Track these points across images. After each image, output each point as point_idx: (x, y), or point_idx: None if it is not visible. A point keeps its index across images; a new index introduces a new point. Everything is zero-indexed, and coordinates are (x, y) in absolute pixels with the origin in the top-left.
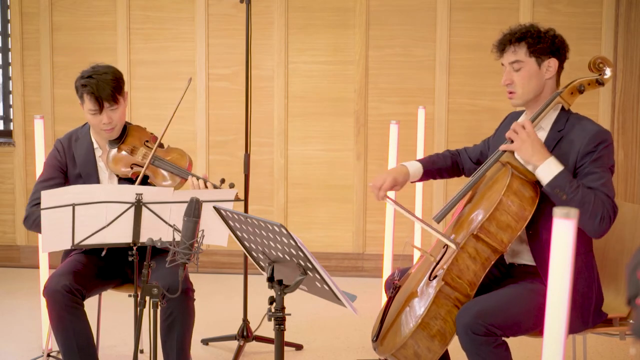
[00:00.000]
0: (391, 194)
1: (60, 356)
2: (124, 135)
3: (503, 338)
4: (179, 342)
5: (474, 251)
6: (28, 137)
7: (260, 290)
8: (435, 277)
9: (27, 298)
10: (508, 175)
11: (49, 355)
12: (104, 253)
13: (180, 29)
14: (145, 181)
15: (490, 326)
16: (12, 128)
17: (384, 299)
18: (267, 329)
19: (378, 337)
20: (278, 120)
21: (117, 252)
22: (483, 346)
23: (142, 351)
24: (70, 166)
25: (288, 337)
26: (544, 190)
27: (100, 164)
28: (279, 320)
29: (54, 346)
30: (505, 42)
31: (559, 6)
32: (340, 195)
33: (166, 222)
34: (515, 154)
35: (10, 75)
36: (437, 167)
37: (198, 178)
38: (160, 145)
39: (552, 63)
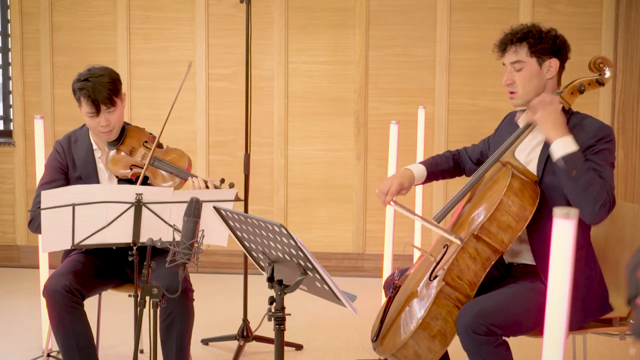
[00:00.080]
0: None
1: (60, 356)
2: (122, 137)
3: (504, 338)
4: (178, 342)
5: (474, 251)
6: (28, 137)
7: (260, 290)
8: (436, 277)
9: (27, 298)
10: (508, 175)
11: (49, 355)
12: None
13: (180, 29)
14: (145, 182)
15: (491, 326)
16: (12, 128)
17: (384, 299)
18: (267, 329)
19: (378, 337)
20: (278, 120)
21: (117, 252)
22: (484, 346)
23: (142, 351)
24: (71, 168)
25: (288, 337)
26: (555, 163)
27: (100, 165)
28: (279, 320)
29: (54, 346)
30: (507, 42)
31: (559, 6)
32: (340, 195)
33: (166, 222)
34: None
35: (10, 75)
36: (440, 169)
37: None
38: (159, 146)
39: (554, 63)
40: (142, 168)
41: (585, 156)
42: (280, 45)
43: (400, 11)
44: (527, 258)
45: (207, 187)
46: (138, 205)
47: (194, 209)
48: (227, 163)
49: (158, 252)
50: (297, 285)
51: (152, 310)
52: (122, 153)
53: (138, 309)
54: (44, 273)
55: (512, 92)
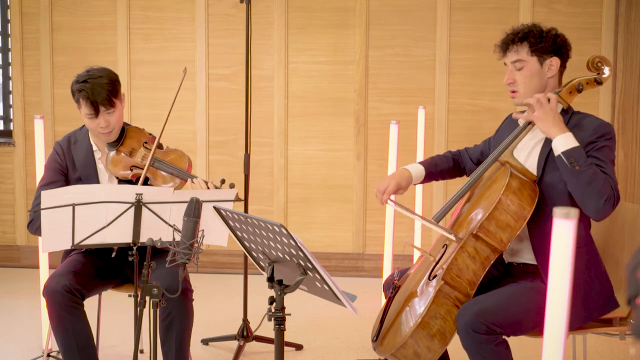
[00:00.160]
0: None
1: (60, 356)
2: (122, 137)
3: (503, 337)
4: (178, 342)
5: (473, 250)
6: (28, 137)
7: (260, 290)
8: (435, 276)
9: (27, 298)
10: (507, 174)
11: (49, 355)
12: (114, 254)
13: (180, 29)
14: (145, 183)
15: (491, 324)
16: (12, 128)
17: (384, 299)
18: (267, 329)
19: (378, 337)
20: (278, 120)
21: (117, 252)
22: (484, 345)
23: (142, 351)
24: (71, 169)
25: (288, 337)
26: (557, 159)
27: (100, 166)
28: (279, 320)
29: (54, 346)
30: (508, 42)
31: (559, 6)
32: (340, 195)
33: (166, 222)
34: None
35: (10, 75)
36: (439, 169)
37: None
38: (159, 146)
39: (554, 62)
40: (142, 169)
41: (587, 153)
42: (280, 45)
43: (400, 11)
44: (527, 257)
45: (207, 187)
46: (138, 205)
47: (194, 209)
48: (227, 163)
49: (158, 252)
50: (297, 285)
51: (152, 310)
52: (122, 154)
53: (138, 309)
54: (44, 273)
55: (513, 91)
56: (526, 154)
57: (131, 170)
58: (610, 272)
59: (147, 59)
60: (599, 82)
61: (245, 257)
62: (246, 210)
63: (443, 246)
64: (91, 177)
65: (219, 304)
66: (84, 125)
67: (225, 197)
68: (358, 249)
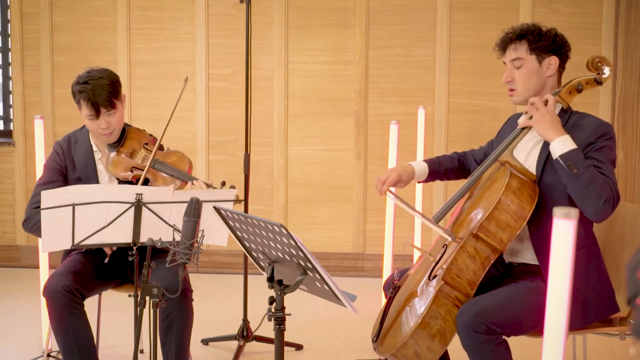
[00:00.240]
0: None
1: (60, 356)
2: (123, 138)
3: (503, 337)
4: (178, 342)
5: (473, 250)
6: (28, 137)
7: (260, 290)
8: (435, 276)
9: (27, 298)
10: (507, 174)
11: (49, 355)
12: (107, 260)
13: (180, 29)
14: (145, 184)
15: (491, 324)
16: (12, 128)
17: (384, 299)
18: (267, 329)
19: (378, 337)
20: (278, 120)
21: (117, 252)
22: (484, 345)
23: (142, 351)
24: (70, 169)
25: (288, 337)
26: (555, 162)
27: (100, 167)
28: (279, 320)
29: (54, 346)
30: (507, 40)
31: (559, 6)
32: (340, 195)
33: (166, 222)
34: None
35: (10, 75)
36: (443, 169)
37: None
38: (160, 148)
39: (553, 61)
40: (143, 170)
41: (586, 154)
42: (280, 45)
43: (400, 11)
44: (527, 257)
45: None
46: (138, 205)
47: (194, 209)
48: (227, 163)
49: (158, 252)
50: (297, 285)
51: (152, 310)
52: (123, 155)
53: (138, 309)
54: (44, 273)
55: (511, 90)
56: (526, 154)
57: (131, 171)
58: (611, 272)
59: (147, 59)
60: (598, 82)
61: (245, 257)
62: (246, 210)
63: (443, 246)
64: (91, 177)
65: (219, 304)
66: (84, 126)
67: (225, 197)
68: (358, 249)
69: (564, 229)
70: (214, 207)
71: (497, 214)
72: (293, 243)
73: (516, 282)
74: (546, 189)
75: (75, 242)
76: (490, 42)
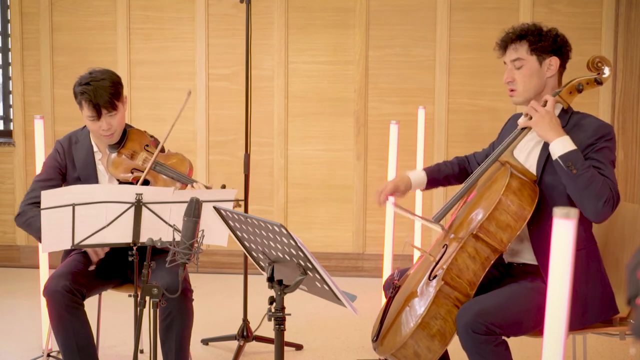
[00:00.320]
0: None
1: (60, 356)
2: (124, 139)
3: (503, 337)
4: (178, 342)
5: (473, 251)
6: (28, 137)
7: (260, 290)
8: (435, 276)
9: (27, 298)
10: (507, 174)
11: (49, 355)
12: (92, 267)
13: (180, 29)
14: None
15: (490, 325)
16: (12, 128)
17: (384, 299)
18: (267, 329)
19: (378, 337)
20: (278, 120)
21: (117, 252)
22: (483, 345)
23: (142, 351)
24: (70, 169)
25: (288, 337)
26: (555, 163)
27: (100, 168)
28: (279, 320)
29: (54, 346)
30: (508, 40)
31: (559, 6)
32: (340, 195)
33: (166, 222)
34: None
35: (10, 75)
36: (443, 175)
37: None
38: (161, 150)
39: (554, 61)
40: (143, 172)
41: (586, 154)
42: (280, 45)
43: (400, 11)
44: (527, 257)
45: None
46: (138, 205)
47: (194, 209)
48: (227, 163)
49: (158, 252)
50: (297, 285)
51: (152, 310)
52: (123, 156)
53: (138, 309)
54: (44, 273)
55: (512, 90)
56: (526, 154)
57: (132, 172)
58: (610, 272)
59: (147, 59)
60: (599, 82)
61: (245, 257)
62: (246, 210)
63: (443, 246)
64: (90, 178)
65: (219, 304)
66: (85, 126)
67: (225, 197)
68: (358, 249)
69: (564, 229)
70: (214, 207)
71: (497, 214)
72: (293, 243)
73: (516, 282)
74: (546, 189)
75: (75, 242)
76: (490, 42)
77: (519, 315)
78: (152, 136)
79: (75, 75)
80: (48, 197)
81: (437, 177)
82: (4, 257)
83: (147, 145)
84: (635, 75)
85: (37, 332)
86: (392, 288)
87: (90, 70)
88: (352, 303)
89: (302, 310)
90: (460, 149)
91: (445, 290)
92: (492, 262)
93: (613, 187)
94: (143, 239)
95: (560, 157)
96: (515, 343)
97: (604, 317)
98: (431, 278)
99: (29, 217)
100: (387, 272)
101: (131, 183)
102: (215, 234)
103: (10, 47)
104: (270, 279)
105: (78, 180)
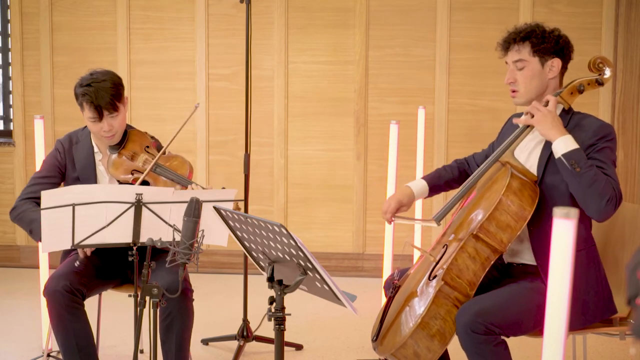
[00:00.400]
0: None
1: (60, 356)
2: (124, 140)
3: (503, 337)
4: (178, 342)
5: (473, 251)
6: (28, 137)
7: (260, 290)
8: (435, 276)
9: (27, 298)
10: (507, 175)
11: (49, 355)
12: (77, 263)
13: (180, 29)
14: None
15: (490, 325)
16: (12, 128)
17: (384, 299)
18: (267, 329)
19: (378, 337)
20: (278, 120)
21: (117, 252)
22: (483, 345)
23: (142, 351)
24: (70, 168)
25: (288, 337)
26: (557, 161)
27: (100, 168)
28: (279, 320)
29: (54, 346)
30: (510, 41)
31: (559, 6)
32: (340, 195)
33: (166, 222)
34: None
35: (10, 75)
36: (443, 181)
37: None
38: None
39: (556, 63)
40: (143, 173)
41: (588, 155)
42: (280, 45)
43: (400, 11)
44: (527, 258)
45: None
46: (138, 205)
47: (194, 209)
48: (227, 163)
49: (158, 252)
50: (297, 285)
51: (152, 310)
52: (124, 157)
53: (138, 309)
54: (44, 273)
55: (513, 91)
56: (527, 154)
57: (132, 174)
58: (610, 272)
59: (147, 59)
60: (600, 83)
61: (245, 257)
62: (246, 210)
63: (443, 246)
64: (90, 178)
65: (219, 304)
66: (86, 126)
67: (225, 197)
68: (358, 249)
69: (564, 229)
70: (214, 207)
71: (497, 215)
72: (293, 243)
73: (516, 282)
74: (547, 189)
75: (75, 242)
76: (490, 42)
77: (519, 315)
78: (152, 137)
79: (75, 75)
80: (48, 197)
81: (438, 183)
82: (4, 257)
83: (147, 147)
84: (635, 75)
85: (37, 332)
86: (392, 288)
87: (91, 71)
88: (352, 303)
89: (302, 310)
90: (460, 149)
91: (445, 291)
92: (492, 262)
93: (616, 186)
94: (143, 239)
95: (563, 155)
96: (515, 343)
97: (603, 317)
98: (431, 278)
99: (22, 211)
100: (387, 272)
101: (131, 184)
102: (215, 234)
103: (10, 47)
104: (270, 279)
105: (77, 181)
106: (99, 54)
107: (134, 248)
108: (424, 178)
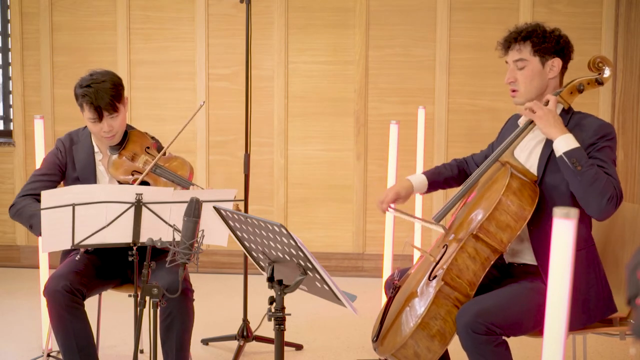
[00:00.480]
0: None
1: (60, 356)
2: (125, 141)
3: (503, 337)
4: (178, 342)
5: (473, 251)
6: (28, 137)
7: (260, 290)
8: (435, 277)
9: (27, 298)
10: (507, 175)
11: (49, 355)
12: (71, 255)
13: (180, 29)
14: None
15: (490, 325)
16: (12, 128)
17: (384, 299)
18: (267, 329)
19: (378, 337)
20: (278, 120)
21: (117, 252)
22: (483, 345)
23: (142, 351)
24: (70, 168)
25: (288, 337)
26: (559, 159)
27: (100, 168)
28: (279, 320)
29: (54, 346)
30: (511, 40)
31: (559, 6)
32: (340, 195)
33: (166, 222)
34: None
35: (10, 75)
36: (443, 178)
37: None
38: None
39: (556, 63)
40: (143, 174)
41: (588, 154)
42: (280, 45)
43: (400, 11)
44: (527, 258)
45: None
46: (138, 205)
47: (194, 209)
48: (227, 163)
49: (158, 252)
50: (297, 285)
51: (152, 310)
52: (124, 158)
53: (138, 309)
54: (44, 273)
55: (513, 90)
56: (527, 154)
57: (132, 174)
58: (611, 272)
59: (147, 59)
60: (600, 83)
61: (245, 257)
62: (246, 210)
63: (443, 246)
64: (90, 178)
65: (219, 304)
66: (86, 126)
67: (225, 197)
68: (358, 249)
69: (564, 229)
70: (214, 207)
71: (497, 215)
72: (293, 243)
73: (516, 282)
74: (547, 189)
75: (75, 242)
76: (490, 42)
77: (519, 315)
78: (153, 137)
79: (75, 75)
80: (48, 197)
81: (437, 179)
82: (4, 257)
83: (147, 148)
84: (635, 75)
85: (37, 332)
86: (392, 288)
87: (91, 71)
88: (352, 303)
89: (302, 310)
90: (460, 149)
91: (445, 291)
92: (492, 262)
93: (617, 185)
94: (143, 239)
95: (564, 153)
96: (515, 343)
97: (603, 317)
98: (431, 278)
99: (21, 207)
100: (387, 272)
101: (131, 184)
102: (215, 234)
103: (10, 47)
104: (270, 279)
105: (77, 180)
106: (99, 54)
107: (134, 248)
108: (424, 173)
